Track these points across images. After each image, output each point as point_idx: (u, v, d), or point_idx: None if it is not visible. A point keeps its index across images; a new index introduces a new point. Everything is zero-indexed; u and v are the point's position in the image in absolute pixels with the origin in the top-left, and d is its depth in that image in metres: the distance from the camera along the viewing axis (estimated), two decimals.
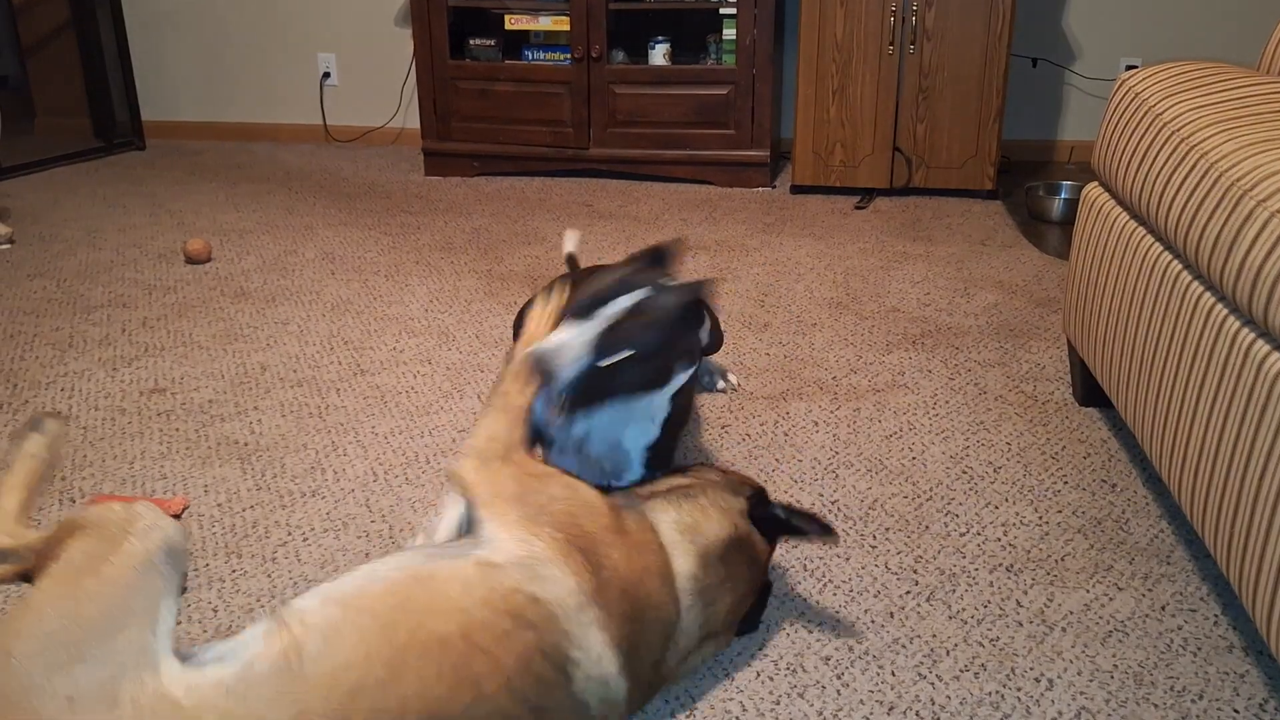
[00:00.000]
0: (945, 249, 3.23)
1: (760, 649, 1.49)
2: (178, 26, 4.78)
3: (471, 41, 4.04)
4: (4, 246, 3.32)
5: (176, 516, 1.81)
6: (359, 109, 4.73)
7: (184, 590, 1.62)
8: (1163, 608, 1.57)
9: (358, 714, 1.03)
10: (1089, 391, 2.17)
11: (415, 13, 4.00)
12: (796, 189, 3.88)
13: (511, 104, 4.04)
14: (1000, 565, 1.67)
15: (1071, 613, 1.56)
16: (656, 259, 1.61)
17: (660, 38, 3.92)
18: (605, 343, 1.42)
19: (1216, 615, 1.55)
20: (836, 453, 2.02)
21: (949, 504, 1.85)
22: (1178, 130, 1.65)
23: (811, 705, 1.38)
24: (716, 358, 2.33)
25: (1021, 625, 1.53)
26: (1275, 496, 1.27)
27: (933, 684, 1.42)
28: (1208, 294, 1.51)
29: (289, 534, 1.77)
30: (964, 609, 1.57)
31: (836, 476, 1.94)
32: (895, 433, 2.10)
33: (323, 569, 1.67)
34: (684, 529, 1.34)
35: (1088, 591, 1.60)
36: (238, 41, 4.76)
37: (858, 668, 1.45)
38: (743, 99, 3.86)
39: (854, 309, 2.74)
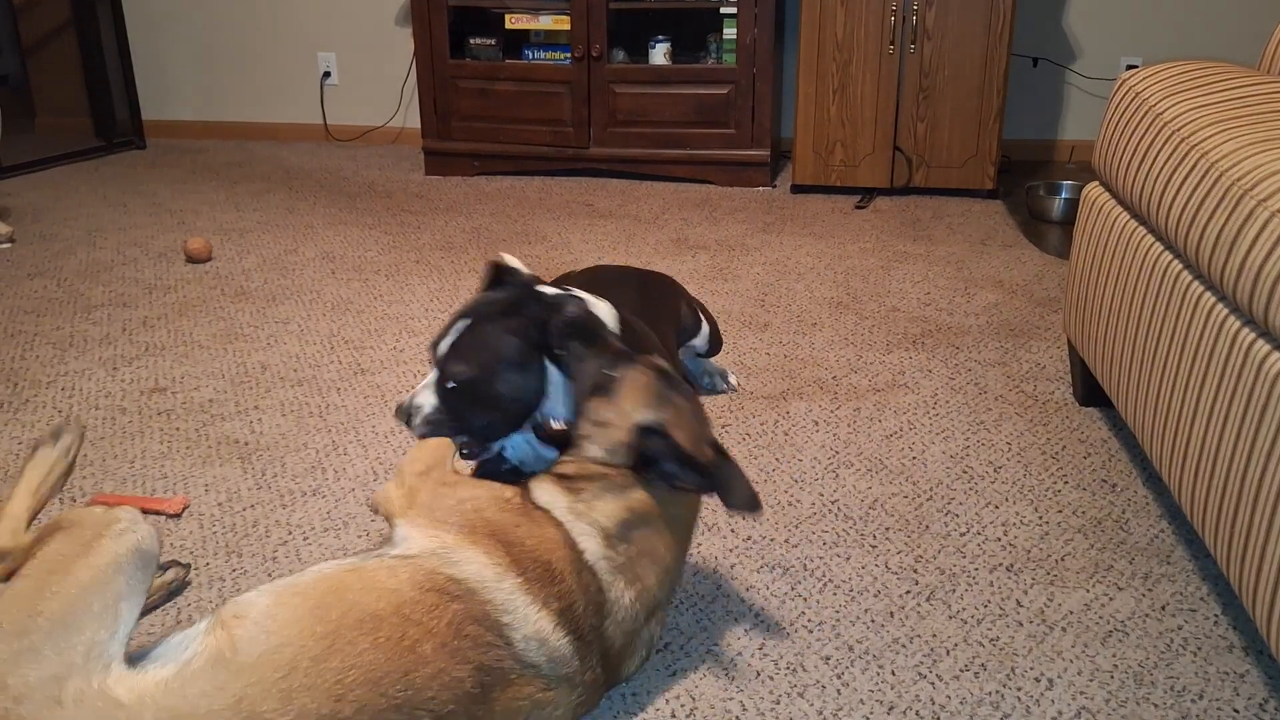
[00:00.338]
0: (946, 249, 3.23)
1: (760, 648, 1.49)
2: (178, 26, 4.78)
3: (472, 41, 4.04)
4: (4, 245, 3.32)
5: (177, 516, 1.81)
6: (359, 108, 4.73)
7: (176, 595, 1.62)
8: (1163, 607, 1.57)
9: (298, 689, 1.07)
10: (1089, 391, 2.17)
11: (415, 12, 4.00)
12: (797, 188, 3.88)
13: (512, 103, 4.03)
14: (1000, 565, 1.67)
15: (1071, 612, 1.56)
16: (499, 281, 1.56)
17: (660, 37, 3.92)
18: (441, 380, 1.48)
19: (1216, 615, 1.55)
20: (837, 452, 2.02)
21: (949, 504, 1.85)
22: (1178, 130, 1.65)
23: (811, 705, 1.38)
24: (717, 358, 2.33)
25: (1022, 625, 1.53)
26: (1275, 496, 1.27)
27: (933, 684, 1.42)
28: (1208, 294, 1.51)
29: (289, 533, 1.77)
30: (964, 609, 1.57)
31: (837, 476, 1.94)
32: (895, 432, 2.10)
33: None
34: (578, 513, 1.33)
35: (1088, 591, 1.60)
36: (238, 41, 4.76)
37: (858, 667, 1.45)
38: (743, 98, 3.86)
39: (854, 308, 2.74)
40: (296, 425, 2.14)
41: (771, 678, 1.43)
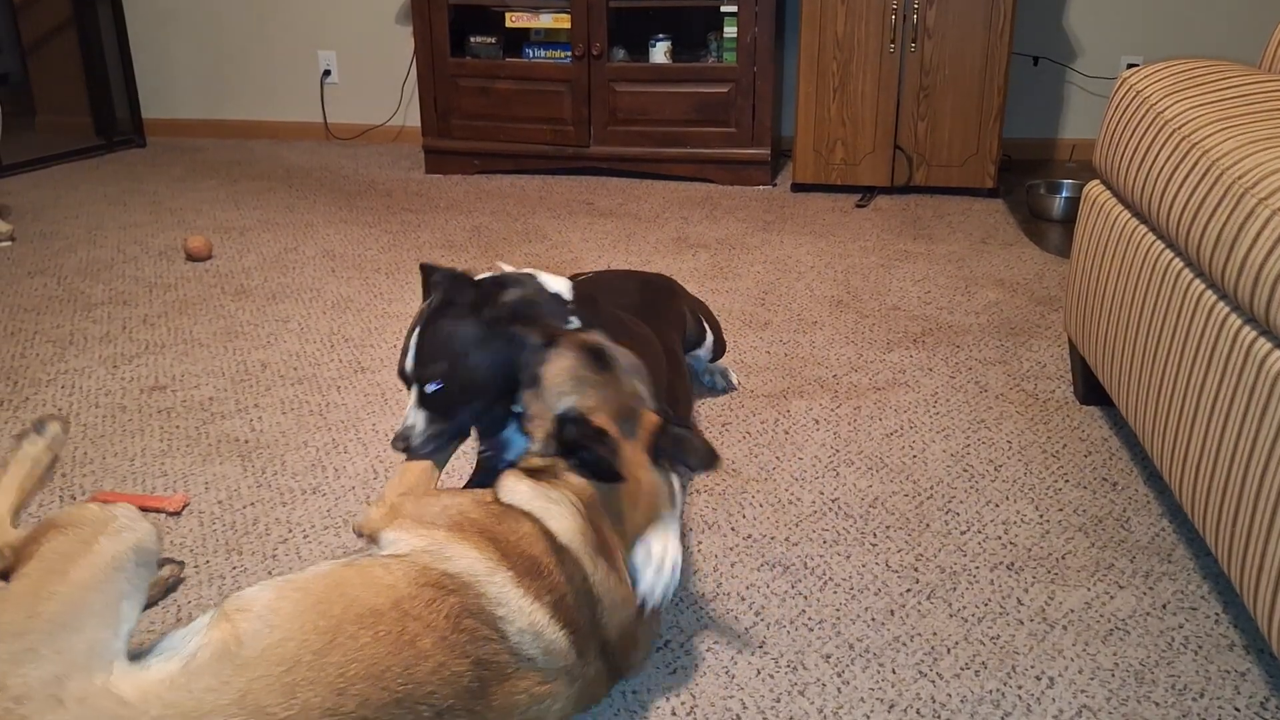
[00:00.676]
0: (946, 247, 3.23)
1: (761, 646, 1.49)
2: (178, 24, 4.78)
3: (472, 39, 4.04)
4: (5, 244, 3.31)
5: (177, 514, 1.81)
6: (359, 106, 4.73)
7: (171, 590, 1.62)
8: (1164, 606, 1.57)
9: (301, 683, 1.07)
10: (1090, 390, 2.16)
11: (416, 10, 4.00)
12: (797, 187, 3.88)
13: (512, 102, 4.03)
14: (1001, 563, 1.67)
15: (1072, 611, 1.56)
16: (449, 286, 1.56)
17: (661, 35, 3.92)
18: (420, 390, 1.49)
19: (1217, 613, 1.55)
20: (837, 450, 2.02)
21: (950, 502, 1.85)
22: (1179, 128, 1.64)
23: (812, 703, 1.38)
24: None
25: (1022, 623, 1.53)
26: (1276, 495, 1.27)
27: (933, 682, 1.42)
28: (1209, 292, 1.50)
29: (289, 531, 1.77)
30: (965, 607, 1.57)
31: (837, 474, 1.93)
32: (896, 431, 2.10)
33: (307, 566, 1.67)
34: (546, 498, 1.32)
35: (1089, 590, 1.60)
36: (238, 39, 4.76)
37: (858, 665, 1.45)
38: (743, 97, 3.86)
39: (855, 307, 2.74)
40: (296, 423, 2.14)
41: (772, 676, 1.43)
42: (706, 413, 2.17)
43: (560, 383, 1.36)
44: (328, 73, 4.73)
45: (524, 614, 1.21)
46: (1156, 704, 1.38)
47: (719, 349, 2.23)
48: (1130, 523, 1.78)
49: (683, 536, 1.57)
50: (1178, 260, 1.62)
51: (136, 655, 1.10)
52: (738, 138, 3.92)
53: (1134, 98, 1.84)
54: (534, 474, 1.35)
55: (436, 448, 1.51)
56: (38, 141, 4.51)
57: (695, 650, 1.48)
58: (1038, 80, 4.20)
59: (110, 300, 2.84)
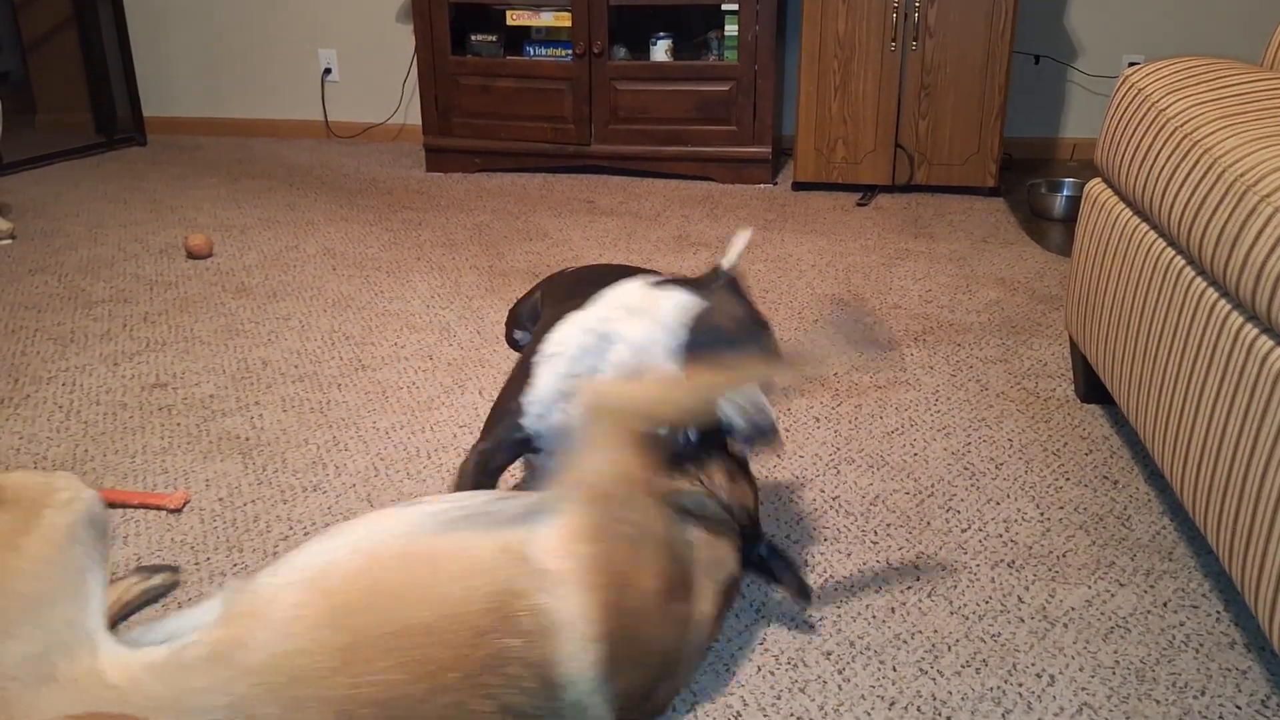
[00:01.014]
0: (947, 246, 3.23)
1: (761, 644, 1.49)
2: (179, 22, 4.78)
3: (473, 37, 4.04)
4: (5, 242, 3.31)
5: (178, 511, 1.81)
6: (360, 105, 4.73)
7: (163, 595, 1.62)
8: (1164, 604, 1.57)
9: (306, 701, 1.00)
10: (1091, 388, 2.16)
11: (416, 8, 4.00)
12: (798, 186, 3.88)
13: (513, 100, 4.03)
14: (1002, 561, 1.67)
15: (1073, 609, 1.56)
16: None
17: (662, 34, 3.92)
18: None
19: (1218, 611, 1.55)
20: (838, 449, 2.02)
21: (950, 500, 1.84)
22: (1181, 126, 1.64)
23: (813, 700, 1.38)
24: None
25: (1023, 621, 1.53)
26: (1277, 493, 1.27)
27: (934, 679, 1.42)
28: (1211, 290, 1.50)
29: (290, 528, 1.77)
30: (965, 604, 1.57)
31: (838, 472, 1.93)
32: (897, 429, 2.10)
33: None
34: (707, 575, 1.29)
35: (1089, 588, 1.60)
36: (239, 37, 4.76)
37: (859, 663, 1.45)
38: (744, 95, 3.86)
39: (855, 305, 2.74)
40: (297, 421, 2.14)
41: (773, 673, 1.43)
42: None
43: (720, 474, 1.45)
44: (328, 71, 4.73)
45: (583, 693, 1.09)
46: (1157, 702, 1.38)
47: None
48: (1131, 521, 1.78)
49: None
50: (1179, 258, 1.62)
51: (137, 638, 1.06)
52: (739, 136, 3.92)
53: (1136, 96, 1.84)
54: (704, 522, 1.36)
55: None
56: (38, 139, 4.51)
57: None
58: (1039, 79, 4.19)
59: (111, 298, 2.84)
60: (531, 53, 4.01)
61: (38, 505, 1.08)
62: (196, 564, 1.67)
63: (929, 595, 1.59)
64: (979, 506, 1.83)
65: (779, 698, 1.39)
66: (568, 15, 3.89)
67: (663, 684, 1.23)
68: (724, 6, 3.82)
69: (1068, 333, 2.21)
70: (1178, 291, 1.59)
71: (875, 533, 1.75)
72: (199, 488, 1.89)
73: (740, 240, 1.58)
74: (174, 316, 2.70)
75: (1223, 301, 1.46)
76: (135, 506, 1.82)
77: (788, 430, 2.09)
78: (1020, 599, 1.58)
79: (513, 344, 2.21)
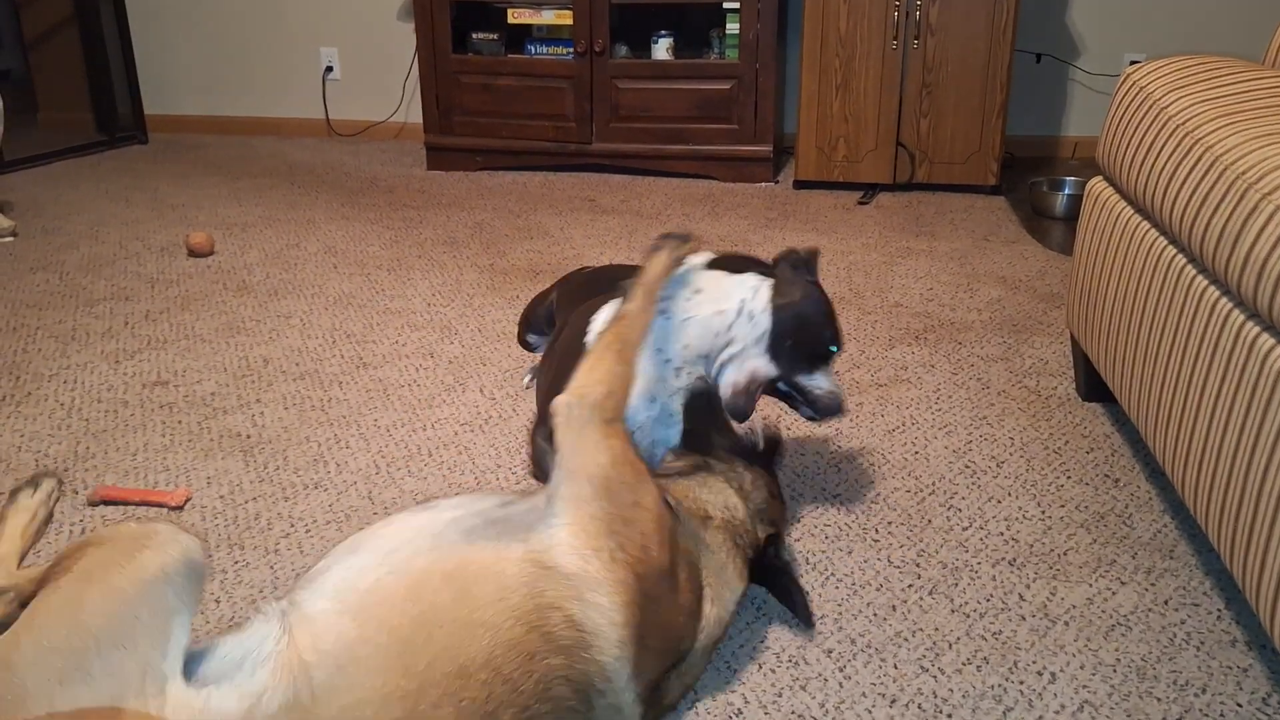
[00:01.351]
0: (948, 244, 3.23)
1: (762, 642, 1.49)
2: (180, 20, 4.78)
3: (474, 36, 4.04)
4: (6, 240, 3.32)
5: (179, 508, 1.81)
6: (361, 103, 4.73)
7: None
8: (1165, 602, 1.56)
9: None
10: (1092, 386, 2.16)
11: (418, 7, 4.00)
12: (799, 184, 3.88)
13: (514, 98, 4.03)
14: (1003, 559, 1.67)
15: (1074, 607, 1.56)
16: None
17: (663, 32, 3.92)
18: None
19: (1220, 610, 1.55)
20: (839, 447, 2.02)
21: (951, 498, 1.84)
22: (1182, 124, 1.64)
23: (814, 698, 1.38)
24: None
25: (1024, 619, 1.53)
26: (1278, 492, 1.27)
27: (935, 677, 1.42)
28: (1212, 288, 1.50)
29: (291, 526, 1.77)
30: (966, 603, 1.57)
31: (839, 470, 1.93)
32: (898, 427, 2.09)
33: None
34: (718, 578, 1.32)
35: (1090, 586, 1.60)
36: (240, 36, 4.76)
37: (860, 661, 1.45)
38: (746, 94, 3.86)
39: (857, 304, 2.74)
40: (298, 419, 2.14)
41: (774, 671, 1.43)
42: None
43: (759, 490, 1.46)
44: (330, 69, 4.73)
45: (618, 693, 1.09)
46: (1158, 699, 1.38)
47: None
48: (1132, 519, 1.78)
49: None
50: (1181, 256, 1.62)
51: (187, 662, 1.01)
52: (740, 135, 3.92)
53: (1137, 93, 1.83)
54: (734, 530, 1.37)
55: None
56: (40, 137, 4.51)
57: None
58: (1040, 77, 4.19)
59: (112, 296, 2.84)
60: (533, 51, 4.01)
61: (136, 546, 1.04)
62: None
63: (930, 593, 1.59)
64: (980, 504, 1.82)
65: (780, 695, 1.39)
66: (569, 13, 3.89)
67: (674, 677, 1.24)
68: (725, 5, 3.82)
69: (1069, 331, 2.21)
70: (1179, 289, 1.59)
71: (876, 530, 1.75)
72: (200, 485, 1.89)
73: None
74: (175, 314, 2.70)
75: (1224, 299, 1.46)
76: (136, 504, 1.82)
77: (789, 428, 2.09)
78: (1021, 597, 1.58)
79: (525, 345, 2.21)
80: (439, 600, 1.04)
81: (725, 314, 1.55)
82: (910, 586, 1.61)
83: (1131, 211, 1.84)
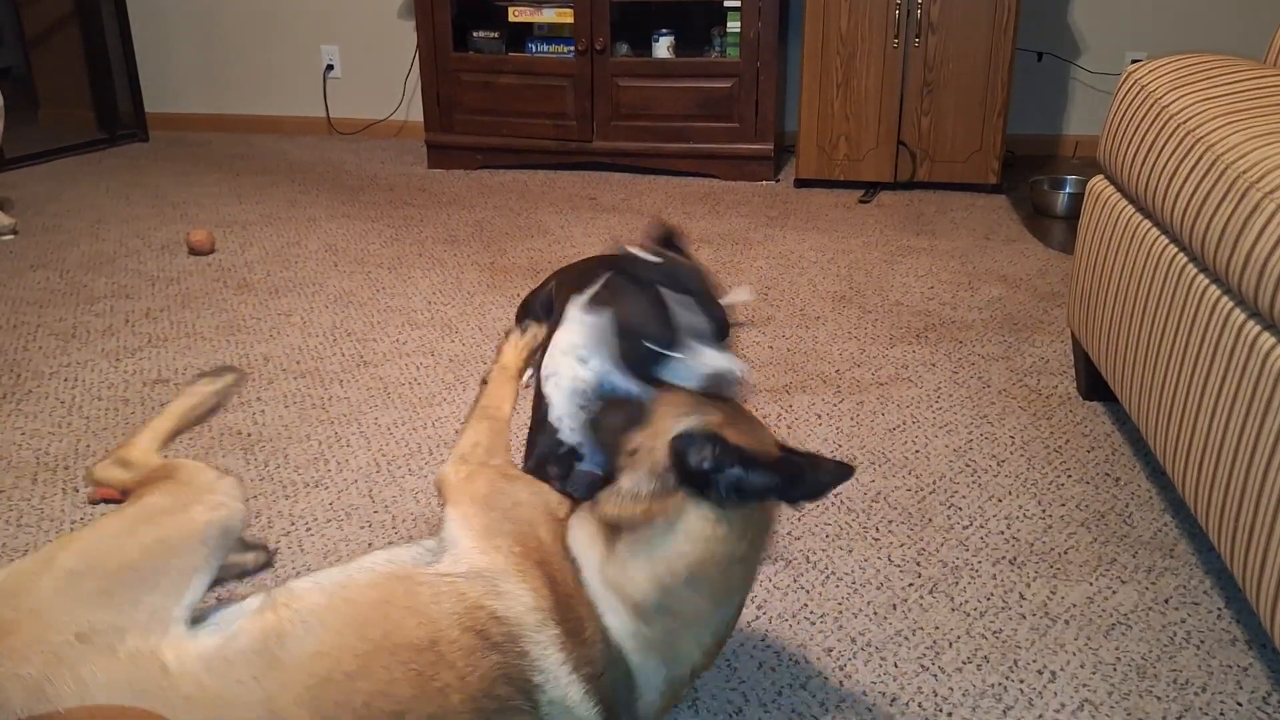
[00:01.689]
0: (949, 243, 3.23)
1: (763, 640, 1.49)
2: (181, 18, 4.78)
3: (475, 34, 4.04)
4: (7, 237, 3.32)
5: None
6: (362, 101, 4.73)
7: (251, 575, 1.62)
8: (1166, 601, 1.56)
9: (327, 702, 1.05)
10: (1093, 385, 2.16)
11: (418, 5, 3.99)
12: (800, 183, 3.88)
13: (515, 97, 4.03)
14: (1003, 558, 1.67)
15: (1074, 605, 1.56)
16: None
17: (664, 30, 3.91)
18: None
19: (1220, 609, 1.55)
20: (840, 446, 2.02)
21: (952, 497, 1.84)
22: (1184, 123, 1.64)
23: (814, 696, 1.38)
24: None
25: (1024, 618, 1.53)
26: (1279, 491, 1.27)
27: (935, 676, 1.42)
28: (1213, 287, 1.50)
29: (292, 524, 1.77)
30: (967, 601, 1.57)
31: None
32: (898, 426, 2.09)
33: (325, 559, 1.67)
34: (607, 582, 1.16)
35: (1091, 584, 1.60)
36: (241, 34, 4.76)
37: (860, 659, 1.45)
38: (747, 92, 3.86)
39: (857, 303, 2.74)
40: (299, 417, 2.14)
41: (774, 669, 1.43)
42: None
43: (676, 406, 1.18)
44: (330, 67, 4.73)
45: (560, 684, 1.12)
46: (1158, 698, 1.38)
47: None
48: (1133, 518, 1.78)
49: None
50: (1182, 255, 1.62)
51: (191, 620, 1.12)
52: (741, 133, 3.91)
53: (1138, 92, 1.83)
54: (618, 532, 1.16)
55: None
56: (40, 135, 4.51)
57: None
58: (1042, 76, 4.19)
59: (112, 294, 2.84)
60: (533, 49, 4.00)
61: (195, 498, 1.18)
62: None
63: (930, 592, 1.59)
64: (980, 503, 1.82)
65: (780, 694, 1.39)
66: (570, 12, 3.88)
67: (638, 700, 1.17)
68: (726, 3, 3.81)
69: (1070, 330, 2.21)
70: (1180, 288, 1.59)
71: (877, 529, 1.75)
72: None
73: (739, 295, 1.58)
74: (175, 312, 2.70)
75: (1225, 298, 1.46)
76: None
77: (789, 427, 2.09)
78: (1022, 596, 1.58)
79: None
80: (394, 591, 1.14)
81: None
82: (910, 585, 1.61)
83: (1133, 210, 1.84)
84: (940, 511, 1.80)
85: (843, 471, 1.15)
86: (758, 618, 1.53)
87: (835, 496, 1.84)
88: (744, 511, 1.15)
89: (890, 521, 1.77)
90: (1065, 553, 1.68)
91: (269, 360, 2.41)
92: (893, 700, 1.38)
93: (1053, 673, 1.42)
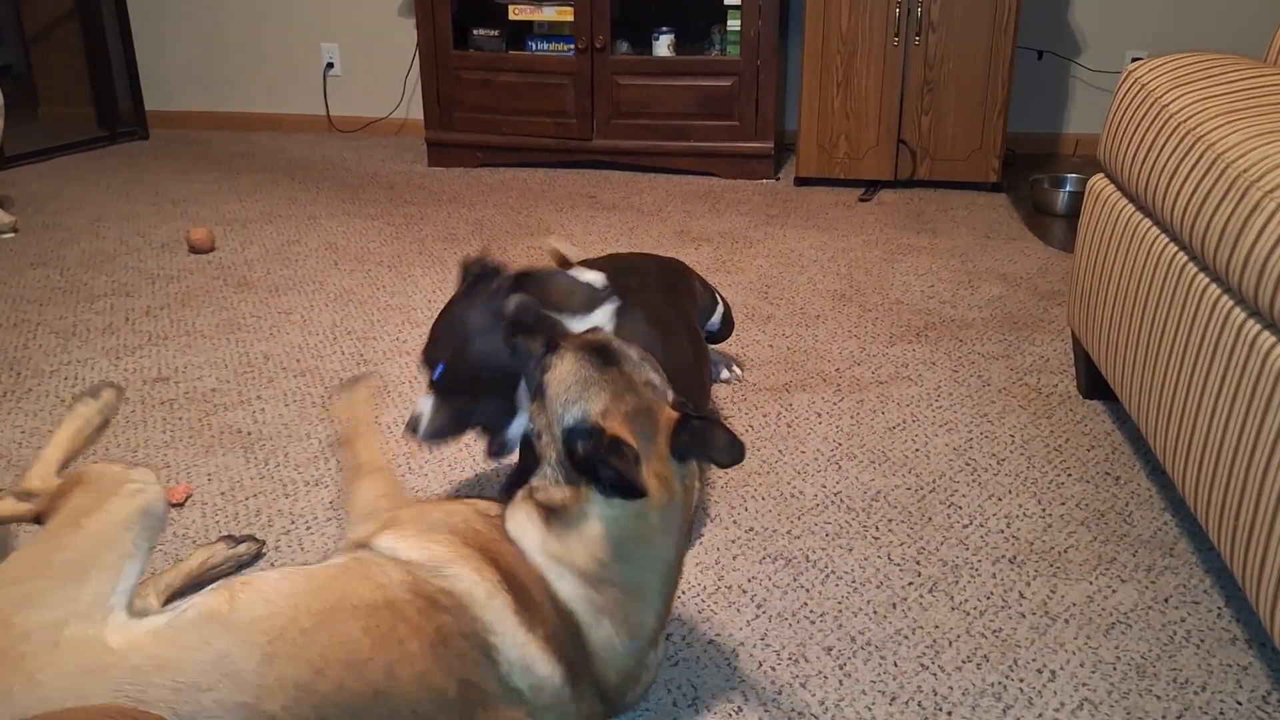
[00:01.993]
0: (949, 241, 3.23)
1: (762, 639, 1.49)
2: (181, 16, 4.77)
3: (475, 32, 4.03)
4: (7, 235, 3.31)
5: (180, 505, 1.81)
6: (362, 99, 4.72)
7: (248, 564, 1.62)
8: (1166, 600, 1.57)
9: (281, 656, 1.08)
10: (1093, 384, 2.16)
11: (419, 3, 3.99)
12: (800, 181, 3.87)
13: (515, 95, 4.03)
14: (1003, 557, 1.67)
15: (1074, 604, 1.56)
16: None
17: (664, 28, 3.91)
18: (430, 374, 1.54)
19: (1220, 608, 1.55)
20: (839, 444, 2.02)
21: (952, 496, 1.84)
22: (1184, 121, 1.64)
23: (814, 695, 1.38)
24: (723, 347, 2.33)
25: (1024, 617, 1.53)
26: (1279, 490, 1.27)
27: (935, 675, 1.42)
28: (1213, 286, 1.50)
29: (292, 523, 1.77)
30: (967, 600, 1.57)
31: (839, 468, 1.93)
32: (898, 425, 2.09)
33: (325, 557, 1.67)
34: (550, 554, 1.22)
35: (1090, 583, 1.60)
36: (241, 31, 4.75)
37: (860, 658, 1.45)
38: (747, 90, 3.85)
39: (858, 301, 2.74)
40: (299, 415, 2.14)
41: (774, 668, 1.43)
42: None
43: (564, 389, 1.21)
44: (330, 65, 4.72)
45: (517, 644, 1.16)
46: (1158, 697, 1.38)
47: (727, 323, 2.20)
48: (1132, 517, 1.78)
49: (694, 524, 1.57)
50: (1182, 254, 1.62)
51: (141, 613, 1.14)
52: (741, 131, 3.91)
53: (1139, 91, 1.83)
54: (552, 512, 1.22)
55: (439, 432, 1.52)
56: (40, 133, 4.50)
57: (697, 642, 1.48)
58: (1042, 74, 4.19)
59: (113, 292, 2.84)
60: (534, 47, 4.00)
61: (109, 491, 1.21)
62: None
63: (930, 591, 1.59)
64: (980, 502, 1.82)
65: (780, 693, 1.39)
66: (570, 10, 3.88)
67: (595, 659, 1.22)
68: (726, 1, 3.81)
69: (1070, 328, 2.21)
70: (1180, 287, 1.59)
71: (876, 528, 1.75)
72: (201, 482, 1.90)
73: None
74: (175, 310, 2.70)
75: (1225, 297, 1.46)
76: None
77: (789, 426, 2.09)
78: (1021, 595, 1.58)
79: None
80: (348, 567, 1.20)
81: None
82: (910, 584, 1.61)
83: (1133, 209, 1.84)
84: (940, 510, 1.80)
85: (734, 452, 1.22)
86: (757, 616, 1.53)
87: (835, 495, 1.84)
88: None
89: (890, 520, 1.77)
90: (1065, 551, 1.68)
91: (269, 358, 2.41)
92: (893, 699, 1.38)
93: (1052, 672, 1.42)
